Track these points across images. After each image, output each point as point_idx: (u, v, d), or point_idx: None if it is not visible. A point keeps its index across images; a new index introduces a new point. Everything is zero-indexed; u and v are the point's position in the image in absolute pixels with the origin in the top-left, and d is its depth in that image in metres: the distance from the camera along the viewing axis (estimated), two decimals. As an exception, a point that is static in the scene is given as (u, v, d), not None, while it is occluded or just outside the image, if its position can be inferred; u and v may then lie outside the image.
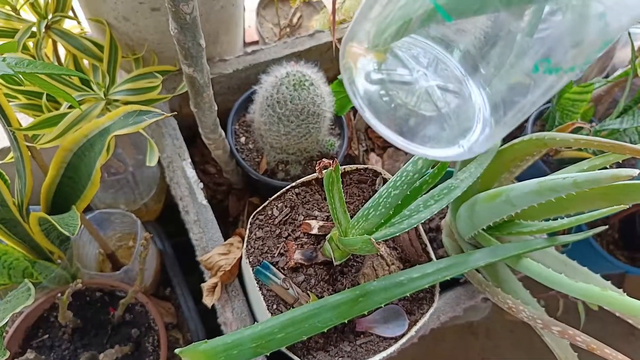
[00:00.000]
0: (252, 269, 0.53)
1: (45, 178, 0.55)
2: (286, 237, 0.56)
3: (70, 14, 0.68)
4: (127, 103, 0.67)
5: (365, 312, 0.47)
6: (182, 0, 0.44)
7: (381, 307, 0.49)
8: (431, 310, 0.53)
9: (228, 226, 0.90)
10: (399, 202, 0.46)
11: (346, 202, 0.52)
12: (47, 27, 0.64)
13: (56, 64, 0.69)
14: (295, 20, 1.23)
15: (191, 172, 0.72)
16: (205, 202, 0.70)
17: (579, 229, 0.78)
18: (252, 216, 0.56)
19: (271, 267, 0.53)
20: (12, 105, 0.61)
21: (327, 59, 0.92)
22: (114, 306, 0.69)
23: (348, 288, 0.53)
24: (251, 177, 0.78)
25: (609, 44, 0.23)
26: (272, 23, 1.26)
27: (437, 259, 0.56)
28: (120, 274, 0.72)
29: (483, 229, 0.55)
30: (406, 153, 0.88)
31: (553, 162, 0.87)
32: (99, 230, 0.75)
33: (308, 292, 0.52)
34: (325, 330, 0.46)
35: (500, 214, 0.51)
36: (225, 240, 0.66)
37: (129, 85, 0.69)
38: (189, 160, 0.74)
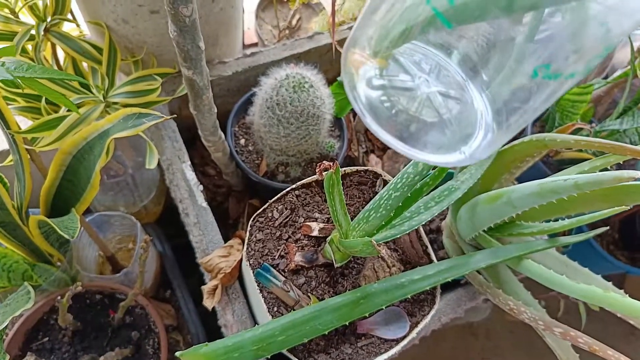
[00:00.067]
0: (253, 272, 0.52)
1: (45, 181, 0.55)
2: (286, 239, 0.56)
3: (69, 16, 0.68)
4: (126, 105, 0.67)
5: (367, 314, 0.47)
6: (181, 3, 0.44)
7: (382, 309, 0.49)
8: (432, 312, 0.53)
9: (228, 228, 0.90)
10: (400, 204, 0.46)
11: (346, 204, 0.52)
12: (46, 30, 0.64)
13: (55, 66, 0.69)
14: (294, 22, 1.23)
15: (191, 175, 0.72)
16: (205, 204, 0.70)
17: (579, 229, 0.78)
18: (252, 218, 0.56)
19: (272, 269, 0.52)
20: (11, 108, 0.61)
21: (326, 60, 0.92)
22: (114, 309, 0.69)
23: (349, 290, 0.52)
24: (251, 179, 0.78)
25: (610, 50, 0.23)
26: (271, 25, 1.26)
27: (437, 260, 0.56)
28: (120, 277, 0.72)
29: (484, 231, 0.55)
30: (406, 154, 0.88)
31: (553, 163, 0.87)
32: (98, 233, 0.75)
33: (309, 294, 0.52)
34: (327, 333, 0.46)
35: (501, 215, 0.51)
36: (225, 243, 0.66)
37: (128, 88, 0.69)
38: (189, 162, 0.74)
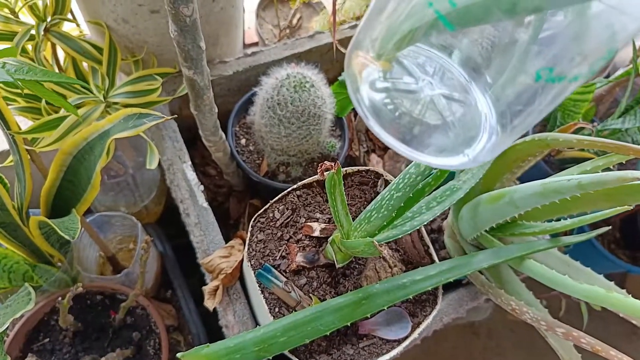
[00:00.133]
0: (254, 272, 0.52)
1: (45, 181, 0.55)
2: (288, 240, 0.55)
3: (69, 16, 0.68)
4: (126, 105, 0.67)
5: (368, 315, 0.47)
6: (182, 3, 0.44)
7: (384, 309, 0.48)
8: (434, 312, 0.53)
9: (229, 228, 0.90)
10: (402, 204, 0.46)
11: (348, 204, 0.52)
12: (46, 30, 0.64)
13: (55, 66, 0.69)
14: (295, 21, 1.23)
15: (192, 175, 0.72)
16: (206, 204, 0.69)
17: (581, 229, 0.78)
18: (253, 219, 0.56)
19: (273, 270, 0.52)
20: (11, 109, 0.61)
21: (327, 60, 0.92)
22: (115, 309, 0.69)
23: (350, 291, 0.52)
24: (252, 179, 0.78)
25: (614, 52, 0.23)
26: (272, 24, 1.26)
27: (439, 260, 0.56)
28: (121, 277, 0.72)
29: (486, 230, 0.55)
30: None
31: (554, 162, 0.86)
32: (99, 233, 0.75)
33: (310, 295, 0.52)
34: (328, 334, 0.45)
35: (503, 215, 0.50)
36: (226, 243, 0.66)
37: (128, 88, 0.69)
38: (190, 162, 0.74)
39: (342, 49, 0.76)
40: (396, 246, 0.59)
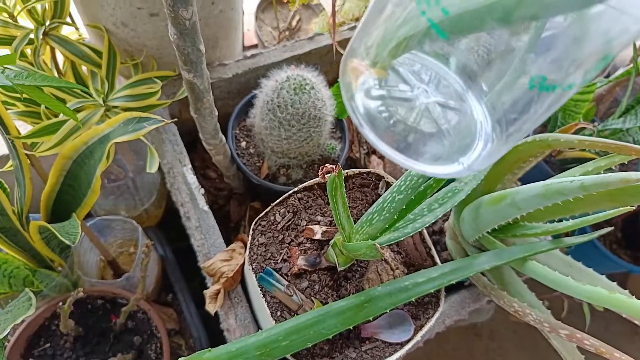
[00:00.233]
0: (255, 276, 0.52)
1: (45, 186, 0.54)
2: (289, 243, 0.55)
3: (68, 20, 0.68)
4: (126, 109, 0.67)
5: (371, 318, 0.47)
6: (181, 6, 0.44)
7: (386, 312, 0.48)
8: (437, 315, 0.53)
9: (230, 231, 0.90)
10: (404, 207, 0.46)
11: (349, 207, 0.52)
12: (45, 34, 0.64)
13: (54, 70, 0.69)
14: (294, 23, 1.23)
15: (192, 178, 0.72)
16: (206, 208, 0.69)
17: (582, 229, 0.78)
18: (254, 222, 0.56)
19: (274, 273, 0.52)
20: (10, 113, 0.61)
21: (327, 62, 0.92)
22: (116, 314, 0.69)
23: (352, 294, 0.52)
24: (252, 182, 0.78)
25: (608, 61, 0.23)
26: (271, 26, 1.26)
27: (440, 261, 0.56)
28: (122, 281, 0.72)
29: (487, 232, 0.54)
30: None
31: (555, 162, 0.86)
32: (99, 237, 0.74)
33: (312, 298, 0.52)
34: (330, 337, 0.45)
35: (505, 217, 0.50)
36: (227, 246, 0.66)
37: (128, 92, 0.68)
38: (190, 165, 0.73)
39: (342, 51, 0.76)
40: (398, 248, 0.58)
